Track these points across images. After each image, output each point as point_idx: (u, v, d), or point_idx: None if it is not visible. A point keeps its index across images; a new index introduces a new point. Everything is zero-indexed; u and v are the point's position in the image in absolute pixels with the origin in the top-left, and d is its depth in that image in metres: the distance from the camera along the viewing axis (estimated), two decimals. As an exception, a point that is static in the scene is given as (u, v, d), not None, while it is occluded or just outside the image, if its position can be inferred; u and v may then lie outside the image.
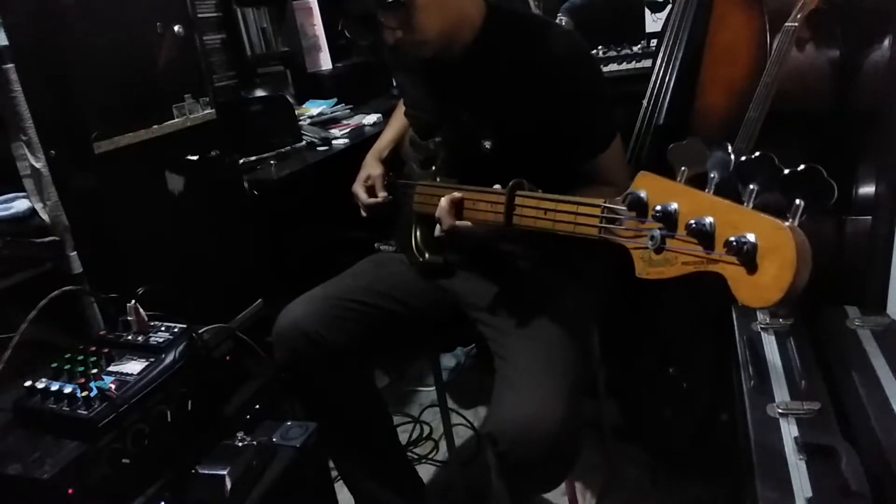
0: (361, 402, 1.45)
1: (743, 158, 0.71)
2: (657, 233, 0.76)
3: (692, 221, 0.71)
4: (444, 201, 1.14)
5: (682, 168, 0.78)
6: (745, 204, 0.68)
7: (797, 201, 0.64)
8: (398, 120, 1.61)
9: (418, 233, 1.38)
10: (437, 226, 1.19)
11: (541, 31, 1.24)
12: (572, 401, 1.10)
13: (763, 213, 0.66)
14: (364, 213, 1.54)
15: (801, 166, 0.66)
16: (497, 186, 1.10)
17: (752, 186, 0.68)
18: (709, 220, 0.69)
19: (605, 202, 0.89)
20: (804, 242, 0.62)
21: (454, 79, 1.31)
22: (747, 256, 0.65)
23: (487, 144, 1.23)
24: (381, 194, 1.49)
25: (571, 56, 1.22)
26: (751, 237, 0.65)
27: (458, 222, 1.14)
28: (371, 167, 1.55)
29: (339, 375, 1.36)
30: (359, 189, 1.53)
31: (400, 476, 1.56)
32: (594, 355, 1.64)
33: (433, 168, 1.36)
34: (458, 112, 1.29)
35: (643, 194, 0.80)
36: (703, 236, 0.70)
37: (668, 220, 0.75)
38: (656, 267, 0.77)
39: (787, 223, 0.63)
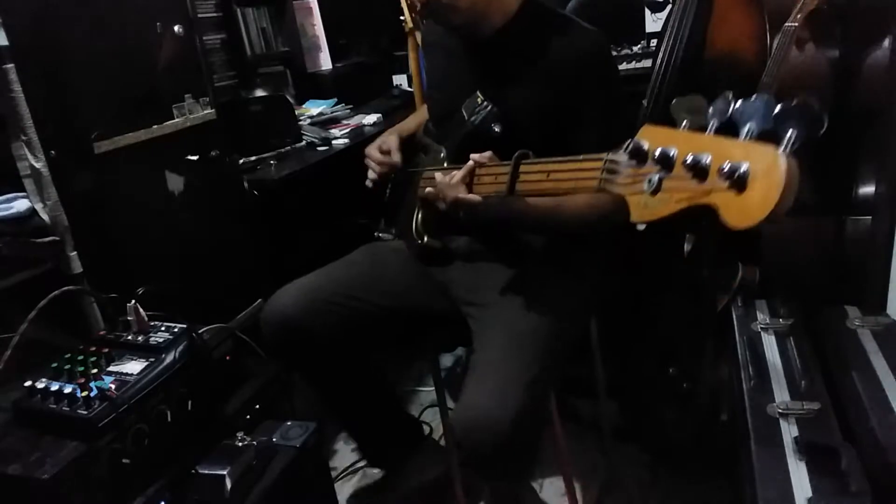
0: (354, 377, 1.49)
1: (739, 103, 0.72)
2: (655, 176, 0.77)
3: (689, 157, 0.72)
4: (459, 173, 1.13)
5: (685, 120, 0.79)
6: (743, 140, 0.70)
7: (789, 131, 0.66)
8: (422, 113, 1.62)
9: (420, 216, 1.39)
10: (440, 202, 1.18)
11: (571, 29, 1.27)
12: (532, 396, 1.11)
13: (757, 144, 0.68)
14: (372, 175, 1.52)
15: (794, 101, 0.68)
16: None
17: (749, 125, 0.70)
18: (706, 155, 0.71)
19: (608, 155, 0.89)
20: (794, 168, 0.64)
21: (477, 61, 1.34)
22: (738, 180, 0.67)
23: (497, 128, 1.25)
24: (397, 156, 1.48)
25: (594, 55, 1.25)
26: (744, 165, 0.66)
27: (462, 195, 1.14)
28: (388, 135, 1.54)
29: (328, 360, 1.38)
30: (372, 150, 1.52)
31: (399, 426, 1.62)
32: (594, 351, 1.64)
33: (442, 154, 1.37)
34: (473, 94, 1.31)
35: (645, 144, 0.81)
36: (698, 170, 0.71)
37: (666, 162, 0.76)
38: (651, 209, 0.78)
39: (779, 149, 0.65)
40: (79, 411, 1.00)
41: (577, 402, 1.95)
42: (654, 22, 2.45)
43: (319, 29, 2.89)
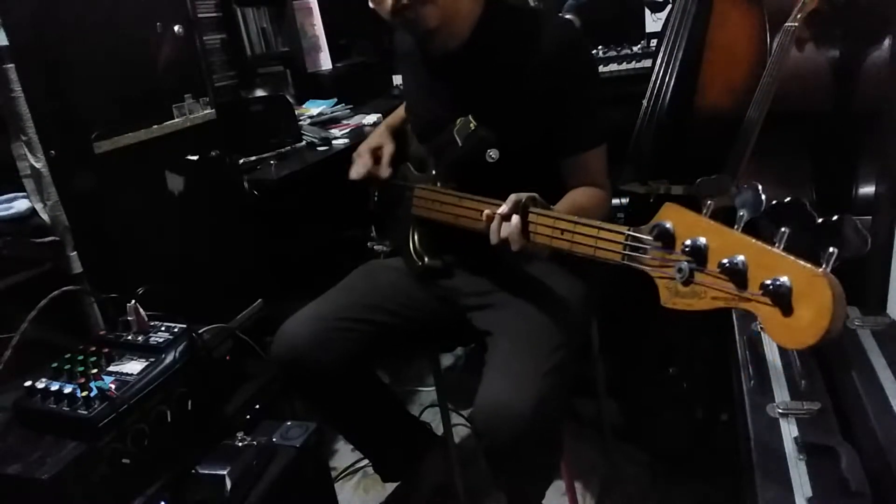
0: (367, 401, 1.47)
1: (774, 202, 0.72)
2: (685, 265, 0.77)
3: (725, 261, 0.72)
4: (515, 220, 1.02)
5: (709, 202, 0.79)
6: (776, 246, 0.69)
7: (831, 249, 0.65)
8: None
9: (416, 236, 1.38)
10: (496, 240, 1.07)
11: (536, 24, 1.24)
12: (550, 385, 1.11)
13: (796, 258, 0.67)
14: (354, 175, 1.46)
15: (835, 216, 0.67)
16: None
17: (783, 229, 0.69)
18: (741, 258, 0.71)
19: (629, 230, 0.88)
20: (840, 290, 0.64)
21: (453, 78, 1.31)
22: (783, 299, 0.66)
23: (493, 154, 1.22)
24: (387, 171, 1.44)
25: (564, 48, 1.21)
26: (785, 280, 0.66)
27: (530, 242, 1.05)
28: (385, 138, 1.51)
29: (341, 385, 1.37)
30: (365, 152, 1.47)
31: (412, 436, 1.60)
32: (594, 350, 1.64)
33: (433, 172, 1.36)
34: (464, 119, 1.28)
35: (669, 225, 0.80)
36: (737, 275, 0.71)
37: (698, 254, 0.76)
38: (684, 298, 0.79)
39: (821, 270, 0.64)
40: (79, 411, 1.00)
41: (577, 402, 1.95)
42: (654, 22, 2.46)
43: (319, 29, 2.89)
